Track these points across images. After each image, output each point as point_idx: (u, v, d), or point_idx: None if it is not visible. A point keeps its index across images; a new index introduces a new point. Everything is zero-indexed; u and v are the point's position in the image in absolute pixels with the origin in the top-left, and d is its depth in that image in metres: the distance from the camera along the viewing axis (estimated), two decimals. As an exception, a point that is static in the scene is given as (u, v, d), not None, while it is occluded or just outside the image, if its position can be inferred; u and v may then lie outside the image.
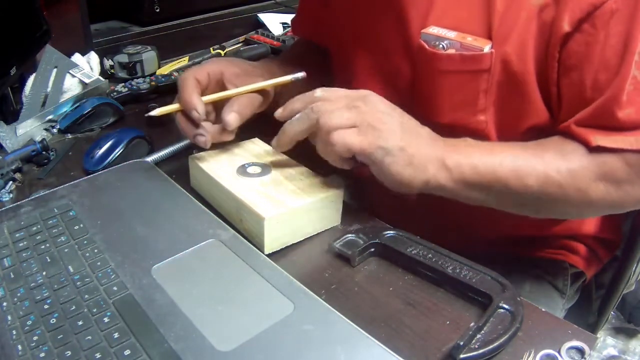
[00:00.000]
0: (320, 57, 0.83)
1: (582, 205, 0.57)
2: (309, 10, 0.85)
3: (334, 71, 0.79)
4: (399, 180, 0.55)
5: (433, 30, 0.60)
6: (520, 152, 0.57)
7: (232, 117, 0.62)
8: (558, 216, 0.61)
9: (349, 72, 0.72)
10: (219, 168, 0.63)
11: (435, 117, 0.62)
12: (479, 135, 0.61)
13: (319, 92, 0.58)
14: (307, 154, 0.60)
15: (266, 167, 0.63)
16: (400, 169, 0.54)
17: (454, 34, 0.58)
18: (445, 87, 0.61)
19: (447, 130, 0.60)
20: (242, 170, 0.62)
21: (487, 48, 0.57)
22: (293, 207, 0.56)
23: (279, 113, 0.59)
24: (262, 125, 0.67)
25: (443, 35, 0.59)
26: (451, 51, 0.58)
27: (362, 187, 0.82)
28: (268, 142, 0.68)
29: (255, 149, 0.67)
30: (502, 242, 0.74)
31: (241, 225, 0.58)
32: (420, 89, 0.64)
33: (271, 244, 0.56)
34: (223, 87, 0.64)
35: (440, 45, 0.59)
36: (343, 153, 0.54)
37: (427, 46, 0.60)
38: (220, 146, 0.67)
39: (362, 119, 0.54)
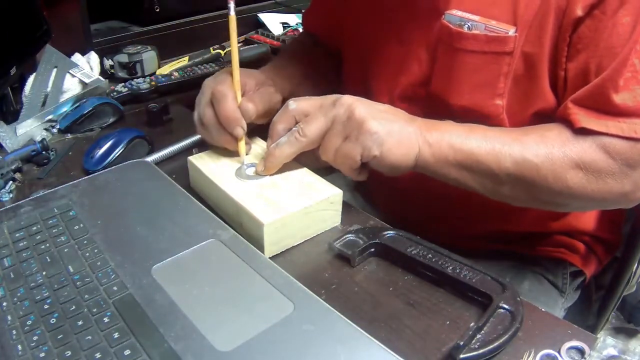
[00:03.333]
0: (323, 52, 0.85)
1: (562, 194, 0.57)
2: (324, 5, 0.86)
3: (347, 65, 0.80)
4: (395, 163, 0.56)
5: (457, 12, 0.61)
6: (500, 134, 0.57)
7: (250, 107, 0.62)
8: (542, 205, 0.61)
9: (365, 63, 0.74)
10: (218, 170, 0.62)
11: (453, 99, 0.63)
12: (494, 120, 0.62)
13: (293, 104, 0.59)
14: (306, 154, 0.60)
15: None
16: (394, 154, 0.56)
17: (478, 17, 0.60)
18: (468, 68, 0.61)
19: (463, 114, 0.62)
20: (241, 171, 0.62)
21: (511, 31, 0.58)
22: (292, 212, 0.56)
23: (271, 145, 0.61)
24: (261, 125, 0.67)
25: (467, 17, 0.60)
26: (476, 31, 0.60)
27: (361, 183, 0.82)
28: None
29: (255, 149, 0.67)
30: (500, 237, 0.74)
31: (241, 229, 0.58)
32: (439, 72, 0.64)
33: (271, 248, 0.56)
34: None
35: (466, 26, 0.60)
36: (353, 165, 0.57)
37: (451, 26, 0.61)
38: (218, 147, 0.67)
39: (348, 127, 0.56)
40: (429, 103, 0.66)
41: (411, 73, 0.67)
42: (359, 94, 0.61)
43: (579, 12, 0.55)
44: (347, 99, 0.57)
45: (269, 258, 0.55)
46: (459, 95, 0.63)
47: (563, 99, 0.59)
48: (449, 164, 0.57)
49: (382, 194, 0.82)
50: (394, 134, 0.56)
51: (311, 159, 0.61)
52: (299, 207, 0.56)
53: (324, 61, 0.84)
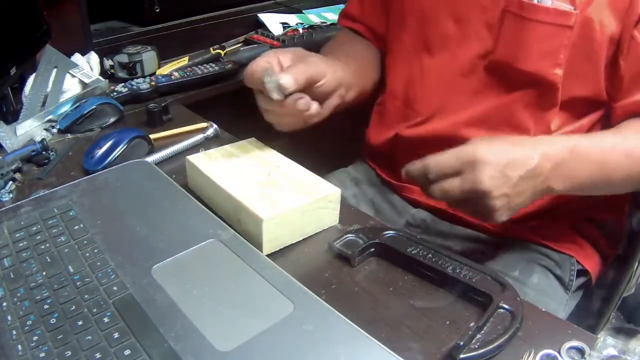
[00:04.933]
0: (367, 43, 0.89)
1: None
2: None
3: (396, 47, 0.83)
4: (493, 221, 0.59)
5: None
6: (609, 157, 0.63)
7: (287, 79, 0.60)
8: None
9: (418, 43, 0.78)
10: (216, 169, 0.63)
11: (520, 64, 0.68)
12: (551, 89, 0.69)
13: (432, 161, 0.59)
14: (306, 154, 0.60)
15: (264, 168, 0.63)
16: (500, 216, 0.59)
17: None
18: (537, 36, 0.67)
19: (526, 79, 0.69)
20: (240, 171, 0.62)
21: (572, 8, 0.65)
22: (291, 208, 0.56)
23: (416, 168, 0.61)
24: (260, 125, 0.67)
25: None
26: (545, 4, 0.66)
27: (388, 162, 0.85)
28: (265, 142, 0.68)
29: (253, 149, 0.67)
30: (519, 218, 0.75)
31: (239, 226, 0.58)
32: (507, 40, 0.69)
33: (269, 244, 0.56)
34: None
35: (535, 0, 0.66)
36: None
37: None
38: (216, 147, 0.67)
39: (471, 201, 0.58)
40: (489, 74, 0.72)
41: (471, 49, 0.72)
42: (410, 73, 0.71)
43: None
44: (479, 165, 0.56)
45: (267, 256, 0.55)
46: (526, 61, 0.68)
47: (620, 91, 0.67)
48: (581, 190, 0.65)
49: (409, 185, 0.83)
50: (515, 204, 0.59)
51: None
52: (297, 204, 0.56)
53: (369, 51, 0.88)
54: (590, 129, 0.73)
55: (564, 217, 0.77)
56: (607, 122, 0.72)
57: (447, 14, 0.74)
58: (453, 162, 0.57)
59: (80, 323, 0.45)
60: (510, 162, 0.57)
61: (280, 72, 0.61)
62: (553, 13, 0.65)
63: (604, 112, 0.72)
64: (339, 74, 0.69)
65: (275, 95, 0.60)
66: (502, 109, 0.72)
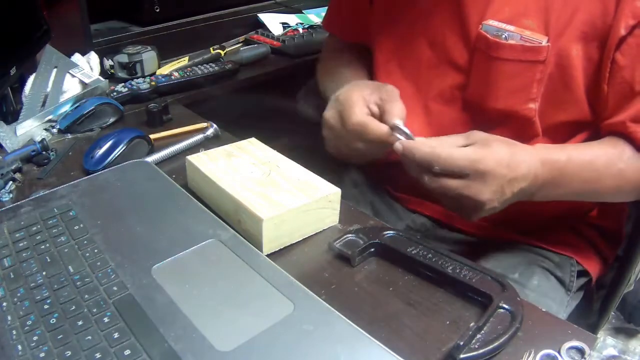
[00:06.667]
0: (357, 53, 0.88)
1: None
2: (349, 9, 0.88)
3: (377, 62, 0.81)
4: (468, 219, 0.62)
5: (493, 22, 0.65)
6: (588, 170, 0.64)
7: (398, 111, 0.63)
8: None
9: (395, 63, 0.77)
10: (216, 169, 0.63)
11: (491, 102, 0.68)
12: (527, 122, 0.67)
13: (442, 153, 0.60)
14: (305, 154, 0.60)
15: (264, 168, 0.63)
16: (476, 218, 0.61)
17: (513, 27, 0.64)
18: (505, 74, 0.66)
19: (498, 117, 0.68)
20: (240, 171, 0.62)
21: (544, 41, 0.63)
22: (291, 208, 0.56)
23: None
24: (259, 125, 0.67)
25: (504, 28, 0.64)
26: (512, 41, 0.64)
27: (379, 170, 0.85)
28: (265, 142, 0.68)
29: (253, 149, 0.67)
30: (517, 224, 0.75)
31: (239, 226, 0.58)
32: (477, 77, 0.68)
33: (269, 244, 0.56)
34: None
35: (503, 36, 0.64)
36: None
37: (489, 36, 0.65)
38: (216, 147, 0.67)
39: (466, 206, 0.60)
40: (465, 106, 0.71)
41: (447, 77, 0.71)
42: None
43: (622, 31, 0.61)
44: (476, 183, 0.58)
45: (267, 256, 0.55)
46: (495, 99, 0.67)
47: (604, 110, 0.66)
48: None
49: (406, 177, 0.82)
50: (493, 210, 0.60)
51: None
52: (297, 204, 0.56)
53: (361, 61, 0.87)
54: None
55: (563, 219, 0.77)
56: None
57: (423, 39, 0.73)
58: (465, 165, 0.57)
59: (80, 323, 0.45)
60: (512, 180, 0.58)
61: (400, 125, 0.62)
62: (520, 50, 0.64)
63: (591, 132, 0.70)
64: None
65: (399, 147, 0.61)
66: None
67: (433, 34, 0.72)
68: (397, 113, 0.63)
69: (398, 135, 0.61)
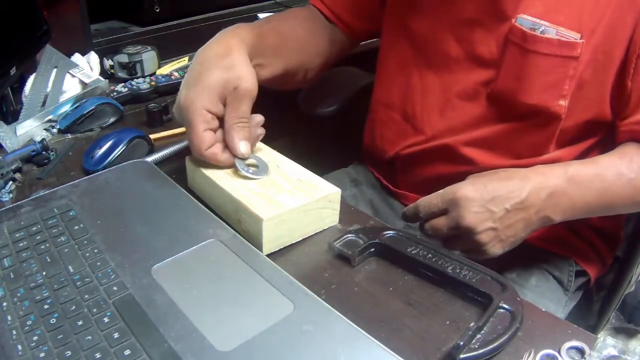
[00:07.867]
0: (319, 27, 0.82)
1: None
2: None
3: (393, 53, 0.80)
4: (488, 255, 0.62)
5: (527, 17, 0.65)
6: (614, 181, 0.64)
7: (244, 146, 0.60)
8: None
9: (417, 56, 0.76)
10: (216, 169, 0.62)
11: (523, 97, 0.67)
12: (554, 120, 0.67)
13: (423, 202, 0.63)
14: (306, 154, 0.60)
15: (264, 167, 0.63)
16: (493, 249, 0.62)
17: (547, 22, 0.64)
18: (540, 69, 0.65)
19: (529, 111, 0.67)
20: (240, 170, 0.62)
21: (579, 38, 0.63)
22: (291, 208, 0.56)
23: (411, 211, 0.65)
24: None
25: (539, 22, 0.64)
26: (549, 36, 0.64)
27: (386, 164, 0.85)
28: (265, 142, 0.68)
29: (253, 149, 0.67)
30: None
31: (239, 226, 0.58)
32: (509, 71, 0.68)
33: (269, 244, 0.56)
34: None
35: (539, 30, 0.64)
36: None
37: (525, 29, 0.65)
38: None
39: (467, 242, 0.62)
40: (491, 102, 0.70)
41: (473, 72, 0.70)
42: (410, 86, 0.69)
43: None
44: (463, 202, 0.59)
45: (267, 255, 0.55)
46: (528, 94, 0.66)
47: (626, 109, 0.66)
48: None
49: (405, 178, 0.83)
50: (506, 236, 0.61)
51: None
52: (297, 204, 0.56)
53: (316, 32, 0.82)
54: (584, 152, 0.72)
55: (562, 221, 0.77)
56: (607, 144, 0.71)
57: (448, 33, 0.72)
58: (438, 201, 0.61)
59: (80, 323, 0.45)
60: (495, 197, 0.59)
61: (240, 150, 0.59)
62: (557, 44, 0.64)
63: (604, 135, 0.71)
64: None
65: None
66: (503, 134, 0.71)
67: (460, 27, 0.71)
68: (243, 137, 0.59)
69: (243, 172, 0.60)
